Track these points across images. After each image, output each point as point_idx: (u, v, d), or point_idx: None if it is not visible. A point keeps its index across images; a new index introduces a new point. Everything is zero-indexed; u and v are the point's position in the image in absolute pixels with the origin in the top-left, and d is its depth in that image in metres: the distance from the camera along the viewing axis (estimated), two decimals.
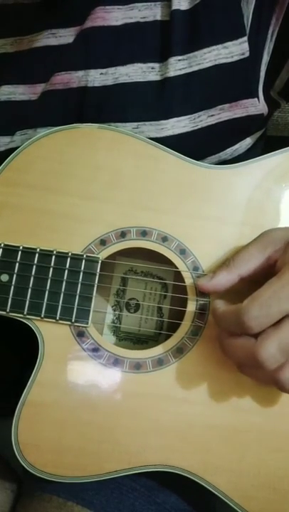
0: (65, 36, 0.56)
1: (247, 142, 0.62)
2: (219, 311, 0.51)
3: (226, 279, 0.51)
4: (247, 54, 0.55)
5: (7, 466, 0.66)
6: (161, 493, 0.61)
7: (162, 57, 0.56)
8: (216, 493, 0.53)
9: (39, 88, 0.57)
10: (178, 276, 0.58)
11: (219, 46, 0.55)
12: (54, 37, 0.56)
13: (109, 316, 0.63)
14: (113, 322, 0.63)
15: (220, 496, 0.53)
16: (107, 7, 0.55)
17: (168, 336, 0.60)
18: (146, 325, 0.62)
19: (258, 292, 0.47)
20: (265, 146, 0.66)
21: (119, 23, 0.55)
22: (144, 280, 0.63)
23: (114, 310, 0.63)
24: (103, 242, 0.56)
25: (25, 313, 0.54)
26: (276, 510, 0.53)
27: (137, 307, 0.63)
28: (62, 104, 0.57)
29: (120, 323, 0.62)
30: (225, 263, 0.52)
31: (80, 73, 0.56)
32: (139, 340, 0.63)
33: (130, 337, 0.63)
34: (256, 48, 0.55)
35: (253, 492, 0.53)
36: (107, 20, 0.55)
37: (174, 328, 0.57)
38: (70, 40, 0.56)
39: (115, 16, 0.55)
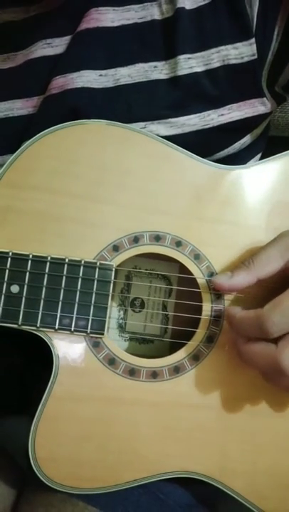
0: (61, 45, 0.54)
1: (254, 134, 0.61)
2: (237, 317, 0.50)
3: (244, 280, 0.50)
4: (256, 55, 0.54)
5: (11, 460, 0.65)
6: (165, 488, 0.62)
7: (167, 55, 0.54)
8: (231, 494, 0.55)
9: (38, 100, 0.55)
10: (182, 277, 0.57)
11: (229, 47, 0.54)
12: (50, 47, 0.54)
13: (114, 320, 0.61)
14: (119, 325, 0.61)
15: (235, 496, 0.55)
16: (101, 8, 0.54)
17: (173, 336, 0.60)
18: (151, 326, 0.61)
19: (279, 298, 0.47)
20: (267, 146, 0.65)
21: (115, 24, 0.54)
22: (148, 281, 0.61)
23: (119, 311, 0.61)
24: (116, 248, 0.54)
25: (38, 325, 0.52)
26: None
27: (142, 308, 0.61)
28: (59, 107, 0.54)
29: (126, 327, 0.61)
30: (244, 263, 0.51)
31: (75, 75, 0.54)
32: (145, 340, 0.62)
33: (136, 337, 0.62)
34: (262, 49, 0.55)
35: (269, 492, 0.55)
36: (101, 21, 0.53)
37: (179, 326, 0.57)
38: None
39: (111, 18, 0.54)
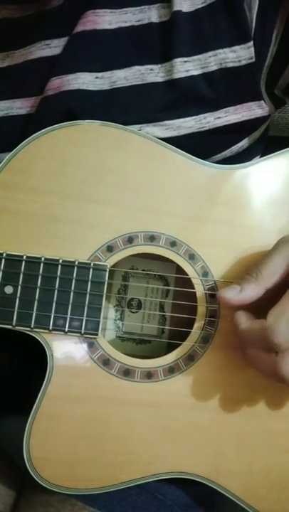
0: (59, 46, 0.54)
1: (252, 137, 0.60)
2: (241, 328, 0.50)
3: (254, 292, 0.49)
4: (254, 58, 0.54)
5: (11, 461, 0.66)
6: (162, 488, 0.62)
7: (163, 58, 0.54)
8: (227, 495, 0.54)
9: (36, 100, 0.55)
10: (180, 278, 0.56)
11: (226, 50, 0.53)
12: (48, 47, 0.54)
13: (111, 321, 0.61)
14: (116, 326, 0.61)
15: (231, 497, 0.54)
16: (98, 10, 0.53)
17: (170, 336, 0.60)
18: (148, 326, 0.61)
19: (281, 308, 0.46)
20: (266, 146, 0.64)
21: (112, 26, 0.54)
22: (145, 281, 0.61)
23: (116, 311, 0.61)
24: (110, 249, 0.54)
25: (32, 326, 0.52)
26: (286, 509, 0.54)
27: (139, 308, 0.61)
28: (56, 109, 0.54)
29: (123, 327, 0.61)
30: (252, 275, 0.49)
31: (71, 76, 0.54)
32: (142, 341, 0.62)
33: (133, 338, 0.61)
34: (261, 52, 0.54)
35: (264, 492, 0.54)
36: (98, 23, 0.53)
37: (177, 327, 0.57)
38: None
39: (108, 20, 0.54)
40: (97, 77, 0.54)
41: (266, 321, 0.46)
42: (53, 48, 0.54)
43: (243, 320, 0.50)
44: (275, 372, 0.46)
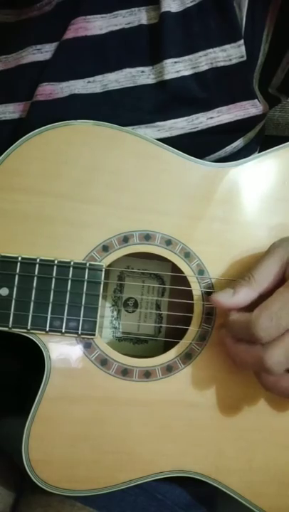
0: (50, 51, 0.54)
1: (247, 137, 0.60)
2: (229, 319, 0.51)
3: (247, 296, 0.49)
4: (245, 57, 0.53)
5: (11, 461, 0.66)
6: (162, 488, 0.62)
7: (154, 60, 0.54)
8: (227, 492, 0.54)
9: (26, 105, 0.55)
10: (176, 276, 0.57)
11: (216, 49, 0.53)
12: (39, 52, 0.54)
13: (107, 321, 0.61)
14: (113, 326, 0.61)
15: (231, 494, 0.54)
16: (89, 17, 0.53)
17: (167, 335, 0.60)
18: (145, 326, 0.61)
19: (267, 303, 0.47)
20: (265, 146, 0.64)
21: (103, 31, 0.54)
22: (141, 280, 0.61)
23: (112, 311, 0.61)
24: (106, 248, 0.53)
25: (28, 328, 0.52)
26: (286, 504, 0.55)
27: (135, 308, 0.61)
28: (48, 113, 0.54)
29: (119, 327, 0.61)
30: (245, 279, 0.50)
31: (64, 84, 0.54)
32: (139, 340, 0.61)
33: (130, 337, 0.61)
34: (252, 51, 0.54)
35: (264, 488, 0.54)
36: (89, 30, 0.53)
37: (173, 325, 0.57)
38: None
39: (99, 25, 0.54)
40: (89, 82, 0.54)
41: (251, 314, 0.46)
42: (44, 52, 0.54)
43: (234, 312, 0.50)
44: (261, 365, 0.46)
